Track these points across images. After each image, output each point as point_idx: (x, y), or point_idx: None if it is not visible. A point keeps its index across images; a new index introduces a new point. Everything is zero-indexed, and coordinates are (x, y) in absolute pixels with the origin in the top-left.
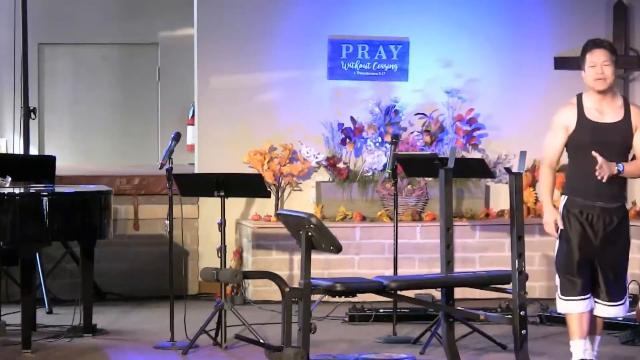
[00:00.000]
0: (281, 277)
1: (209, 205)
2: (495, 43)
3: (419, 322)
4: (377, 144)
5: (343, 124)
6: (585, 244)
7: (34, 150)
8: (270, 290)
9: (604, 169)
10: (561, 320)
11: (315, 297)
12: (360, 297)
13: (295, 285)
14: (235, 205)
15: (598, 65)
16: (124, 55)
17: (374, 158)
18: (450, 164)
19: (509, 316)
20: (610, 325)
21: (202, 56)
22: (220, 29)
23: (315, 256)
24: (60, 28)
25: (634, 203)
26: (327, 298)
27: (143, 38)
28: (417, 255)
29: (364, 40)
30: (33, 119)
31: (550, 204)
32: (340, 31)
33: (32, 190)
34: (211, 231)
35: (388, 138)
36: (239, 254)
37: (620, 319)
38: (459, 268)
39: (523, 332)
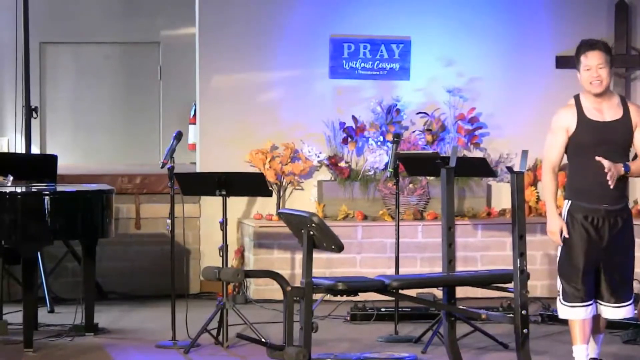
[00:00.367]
0: (283, 276)
1: (211, 204)
2: (496, 42)
3: (420, 321)
4: (379, 143)
5: (345, 123)
6: (591, 250)
7: (35, 149)
8: (271, 289)
9: (613, 172)
10: (563, 319)
11: (317, 296)
12: (362, 296)
13: (297, 284)
14: (237, 204)
15: (593, 69)
16: (125, 54)
17: (376, 157)
18: (452, 163)
19: (511, 315)
20: (612, 324)
21: (203, 55)
22: (222, 27)
23: (317, 255)
24: (62, 27)
25: (636, 202)
26: (328, 297)
27: (145, 37)
28: (419, 254)
29: (365, 39)
30: (35, 118)
31: (554, 211)
32: (342, 30)
33: (33, 190)
34: (213, 230)
35: (390, 137)
36: (241, 253)
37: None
38: (460, 267)
39: (525, 331)
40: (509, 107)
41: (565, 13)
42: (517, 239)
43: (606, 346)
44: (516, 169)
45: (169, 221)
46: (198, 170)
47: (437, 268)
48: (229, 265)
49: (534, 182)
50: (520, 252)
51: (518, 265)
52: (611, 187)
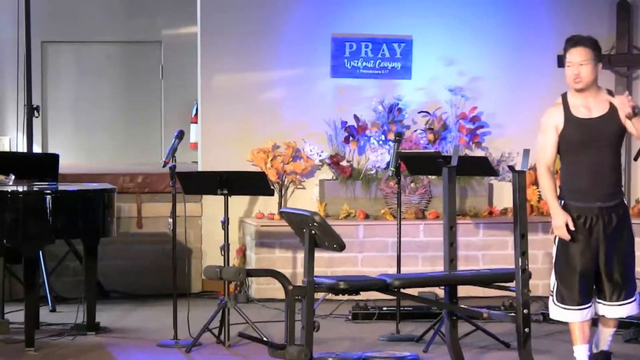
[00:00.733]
0: (284, 275)
1: (212, 204)
2: (498, 41)
3: (422, 320)
4: (381, 142)
5: (346, 122)
6: (587, 251)
7: (37, 148)
8: (273, 288)
9: (623, 103)
10: None
11: (319, 295)
12: (364, 295)
13: (299, 283)
14: (239, 203)
15: (575, 65)
16: (127, 54)
17: (378, 156)
18: (454, 162)
19: (512, 314)
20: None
21: (205, 54)
22: (223, 27)
23: (318, 254)
24: (64, 26)
25: (637, 201)
26: (330, 296)
27: (146, 36)
28: (421, 253)
29: (367, 38)
30: (36, 117)
31: (557, 206)
32: (344, 29)
33: (35, 188)
34: (214, 229)
35: (391, 136)
36: (242, 252)
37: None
38: (462, 266)
39: (526, 330)
40: (510, 106)
41: (566, 12)
42: (519, 238)
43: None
44: (518, 167)
45: (170, 220)
46: (200, 169)
47: (439, 267)
48: (231, 265)
49: (536, 181)
50: (521, 251)
51: (520, 264)
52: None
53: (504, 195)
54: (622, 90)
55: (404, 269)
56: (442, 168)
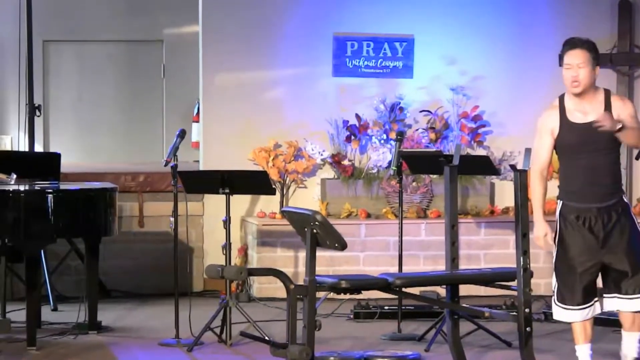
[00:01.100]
0: (286, 274)
1: (214, 203)
2: (499, 40)
3: (424, 319)
4: (382, 141)
5: (348, 121)
6: (588, 252)
7: (39, 148)
8: (275, 288)
9: (604, 121)
10: None
11: (320, 294)
12: (365, 294)
13: (300, 282)
14: (240, 202)
15: (573, 67)
16: (129, 53)
17: (379, 155)
18: (455, 161)
19: (514, 313)
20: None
21: (207, 53)
22: (225, 26)
23: (320, 253)
24: (65, 25)
25: (639, 200)
26: (332, 295)
27: (148, 35)
28: (422, 252)
29: (368, 37)
30: (38, 116)
31: (540, 216)
32: (345, 28)
33: (37, 188)
34: (216, 228)
35: (393, 135)
36: (244, 251)
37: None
38: (463, 265)
39: (528, 329)
40: (512, 105)
41: (568, 11)
42: (520, 237)
43: (611, 344)
44: (519, 167)
45: (172, 219)
46: (201, 168)
47: (441, 266)
48: (232, 264)
49: None
50: (523, 250)
51: (521, 263)
52: (600, 124)
53: (505, 194)
54: (623, 89)
55: (406, 268)
56: (444, 167)
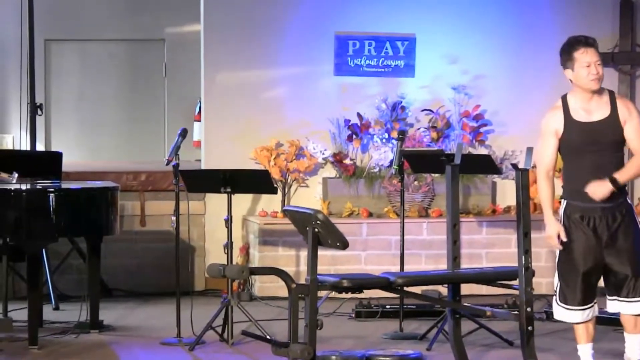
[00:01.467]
0: (288, 274)
1: (216, 202)
2: (501, 39)
3: (425, 318)
4: (384, 140)
5: (350, 120)
6: (590, 251)
7: (40, 147)
8: (276, 287)
9: (595, 190)
10: None
11: (322, 294)
12: (367, 293)
13: (302, 281)
14: (242, 201)
15: (592, 65)
16: (130, 52)
17: (381, 154)
18: (457, 160)
19: (516, 312)
20: (619, 321)
21: (208, 52)
22: (226, 25)
23: (321, 252)
24: (67, 24)
25: None
26: (333, 294)
27: (150, 34)
28: (424, 251)
29: (370, 36)
30: (40, 115)
31: (551, 216)
32: (347, 27)
33: (38, 187)
34: (218, 227)
35: (394, 134)
36: (246, 250)
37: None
38: (465, 264)
39: (529, 328)
40: (514, 104)
41: (570, 11)
42: (522, 236)
43: (612, 343)
44: (521, 166)
45: (174, 218)
46: (203, 167)
47: (442, 265)
48: (234, 263)
49: None
50: (525, 249)
51: (523, 262)
52: (601, 197)
53: (507, 193)
54: (625, 89)
55: (407, 267)
56: (446, 166)
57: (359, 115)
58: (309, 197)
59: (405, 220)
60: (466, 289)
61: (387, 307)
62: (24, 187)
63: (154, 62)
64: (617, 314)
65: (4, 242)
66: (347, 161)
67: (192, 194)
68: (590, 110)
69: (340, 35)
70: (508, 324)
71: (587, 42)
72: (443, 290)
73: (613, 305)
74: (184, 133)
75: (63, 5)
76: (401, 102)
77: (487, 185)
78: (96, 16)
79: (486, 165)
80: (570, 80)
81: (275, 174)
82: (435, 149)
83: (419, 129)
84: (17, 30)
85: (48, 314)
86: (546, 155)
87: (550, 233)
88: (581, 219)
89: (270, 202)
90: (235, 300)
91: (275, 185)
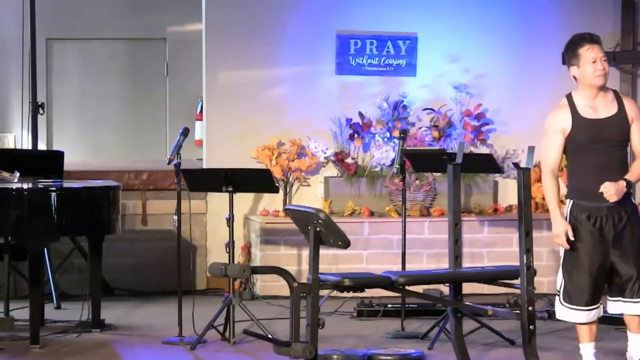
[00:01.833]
0: (289, 273)
1: (217, 201)
2: (503, 38)
3: (427, 317)
4: (386, 139)
5: (351, 119)
6: (596, 250)
7: (42, 146)
8: (278, 286)
9: (611, 190)
10: None
11: (324, 293)
12: (369, 292)
13: (304, 280)
14: (244, 200)
15: (598, 61)
16: (132, 51)
17: (382, 153)
18: (459, 159)
19: (517, 311)
20: (620, 320)
21: (210, 51)
22: (228, 24)
23: (323, 251)
24: (69, 23)
25: None
26: (335, 293)
27: (151, 33)
28: (425, 250)
29: (372, 35)
30: (41, 114)
31: (558, 215)
32: (349, 26)
33: (40, 186)
34: (219, 226)
35: (396, 133)
36: (247, 249)
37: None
38: (467, 263)
39: (531, 327)
40: (515, 103)
41: (571, 9)
42: (524, 235)
43: (614, 343)
44: (523, 165)
45: (175, 217)
46: (205, 166)
47: (444, 264)
48: (236, 262)
49: (540, 179)
50: (526, 248)
51: (524, 261)
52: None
53: (508, 192)
54: (627, 87)
55: (409, 266)
56: (447, 165)
57: (360, 114)
58: (310, 196)
59: (406, 220)
60: (468, 288)
61: (389, 306)
62: (25, 186)
63: (156, 61)
64: (619, 313)
65: (6, 241)
66: (349, 160)
67: (194, 193)
68: (597, 107)
69: (342, 34)
70: (510, 323)
71: (592, 38)
72: (445, 289)
73: (616, 306)
74: (185, 132)
75: (65, 4)
76: (403, 101)
77: (488, 184)
78: (98, 15)
79: (488, 164)
80: (575, 78)
81: (276, 173)
82: (437, 148)
83: (420, 128)
84: (19, 29)
85: (50, 313)
86: (552, 154)
87: (558, 232)
88: (588, 219)
89: (272, 201)
90: (236, 299)
91: (276, 185)
